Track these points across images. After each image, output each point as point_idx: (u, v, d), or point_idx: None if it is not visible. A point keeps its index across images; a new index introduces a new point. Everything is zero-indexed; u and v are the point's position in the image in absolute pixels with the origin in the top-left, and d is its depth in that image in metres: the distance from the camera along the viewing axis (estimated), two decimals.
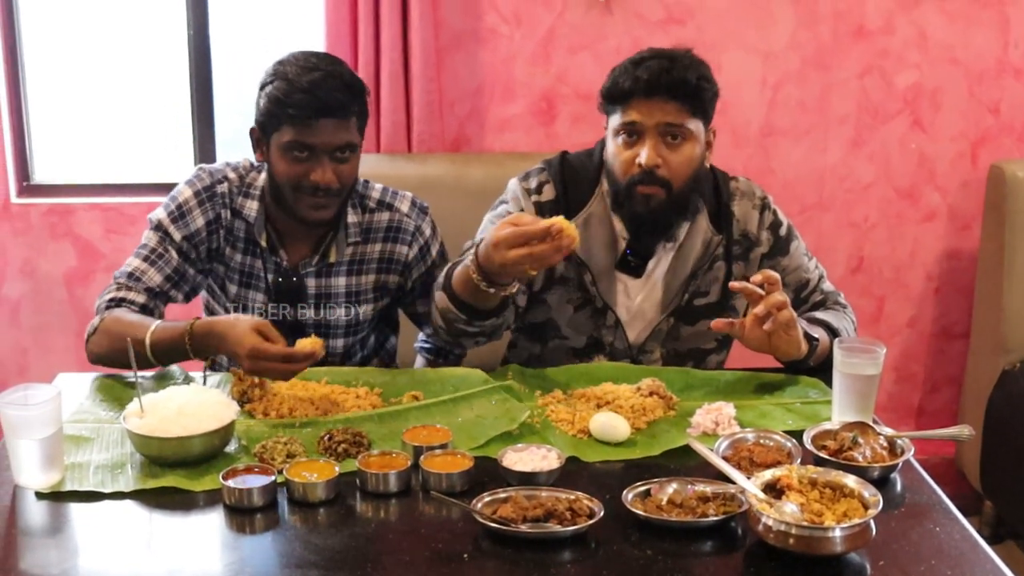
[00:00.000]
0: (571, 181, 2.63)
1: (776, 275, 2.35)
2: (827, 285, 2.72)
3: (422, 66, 3.55)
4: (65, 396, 2.13)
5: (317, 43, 3.58)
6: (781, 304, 2.33)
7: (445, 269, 2.51)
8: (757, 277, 2.34)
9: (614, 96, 2.50)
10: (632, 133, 2.48)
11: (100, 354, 2.49)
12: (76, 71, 4.03)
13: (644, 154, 2.45)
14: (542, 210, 2.58)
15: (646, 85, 2.43)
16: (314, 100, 2.42)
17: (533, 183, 2.63)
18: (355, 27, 3.55)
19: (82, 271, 3.82)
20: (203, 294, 2.77)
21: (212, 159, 3.81)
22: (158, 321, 2.43)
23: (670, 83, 2.43)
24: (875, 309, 4.06)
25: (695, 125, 2.49)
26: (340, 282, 2.68)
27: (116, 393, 2.39)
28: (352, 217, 2.64)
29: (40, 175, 3.91)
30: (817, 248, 3.89)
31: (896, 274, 4.05)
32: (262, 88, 2.50)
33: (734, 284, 2.39)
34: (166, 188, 2.71)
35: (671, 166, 2.47)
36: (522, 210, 2.59)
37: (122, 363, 2.38)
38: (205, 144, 3.83)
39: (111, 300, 2.54)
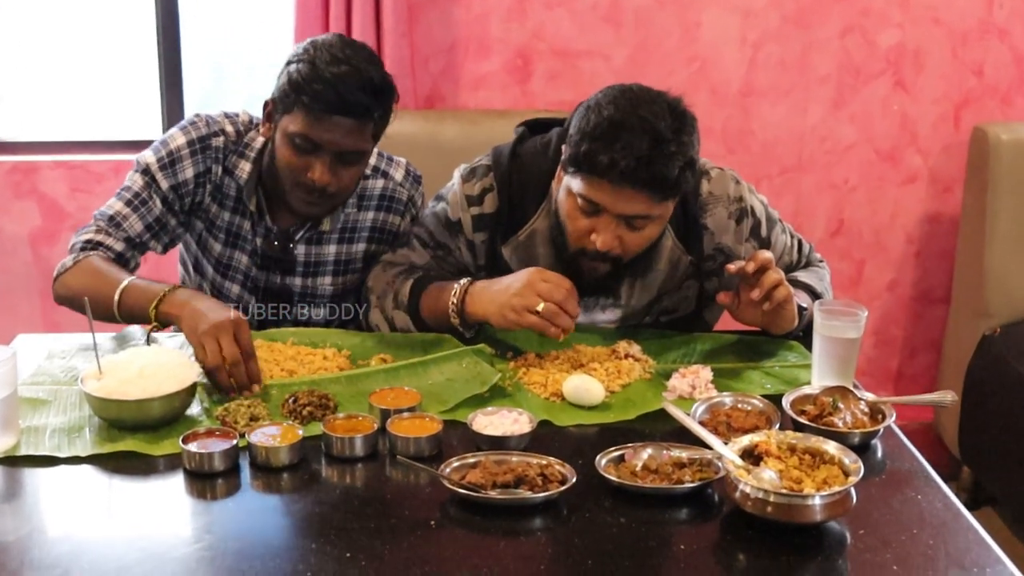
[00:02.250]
0: (518, 191, 2.41)
1: (769, 255, 2.24)
2: (804, 248, 2.64)
3: (394, 21, 3.47)
4: (23, 358, 2.06)
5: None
6: (776, 282, 2.23)
7: (407, 288, 2.42)
8: (750, 265, 2.21)
9: (579, 164, 2.18)
10: (592, 209, 2.21)
11: (67, 297, 2.41)
12: (41, 27, 3.93)
13: (600, 239, 2.21)
14: (480, 224, 2.44)
15: (619, 175, 2.12)
16: (333, 95, 2.27)
17: (476, 188, 2.43)
18: None
19: (47, 231, 3.73)
20: (180, 248, 2.69)
21: (180, 115, 3.71)
22: (130, 278, 2.33)
23: (648, 178, 2.13)
24: (854, 272, 4.02)
25: (665, 208, 2.25)
26: (331, 250, 2.61)
27: (75, 355, 2.32)
28: None
29: (3, 132, 3.81)
30: (796, 211, 3.85)
31: (876, 237, 4.00)
32: (288, 64, 2.36)
33: (730, 267, 2.24)
34: (134, 146, 2.63)
35: (627, 247, 2.25)
36: (459, 220, 2.45)
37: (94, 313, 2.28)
38: (173, 101, 3.74)
39: (87, 242, 2.45)
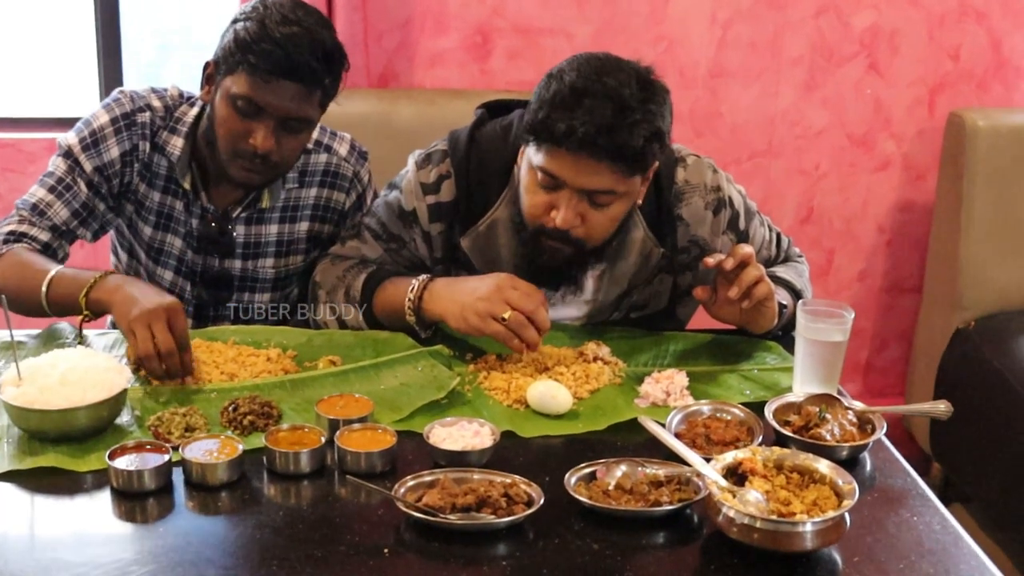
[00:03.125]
0: (476, 178, 2.24)
1: (749, 250, 2.08)
2: (783, 242, 2.49)
3: None
4: None
5: None
6: (756, 279, 2.09)
7: (360, 282, 2.26)
8: (729, 261, 2.07)
9: (538, 132, 2.02)
10: (552, 184, 2.06)
11: None
12: None
13: (560, 215, 2.05)
14: (437, 214, 2.27)
15: (578, 143, 1.97)
16: (281, 56, 2.13)
17: (432, 175, 2.26)
18: None
19: None
20: (112, 235, 2.52)
21: None
22: (58, 268, 2.17)
23: (610, 147, 1.97)
24: (824, 261, 3.89)
25: (630, 184, 2.08)
26: (272, 230, 2.45)
27: None
28: None
29: None
30: (766, 196, 3.72)
31: (847, 225, 3.87)
32: (234, 23, 2.21)
33: (708, 260, 2.10)
34: (69, 123, 2.45)
35: (590, 227, 2.09)
36: (415, 210, 2.28)
37: (15, 306, 2.13)
38: (111, 76, 3.55)
39: (10, 234, 2.29)
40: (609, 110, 1.97)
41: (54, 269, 2.17)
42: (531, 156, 2.08)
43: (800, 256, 2.49)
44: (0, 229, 2.30)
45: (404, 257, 2.34)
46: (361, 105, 3.28)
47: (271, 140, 2.20)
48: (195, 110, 2.37)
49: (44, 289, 2.14)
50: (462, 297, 2.09)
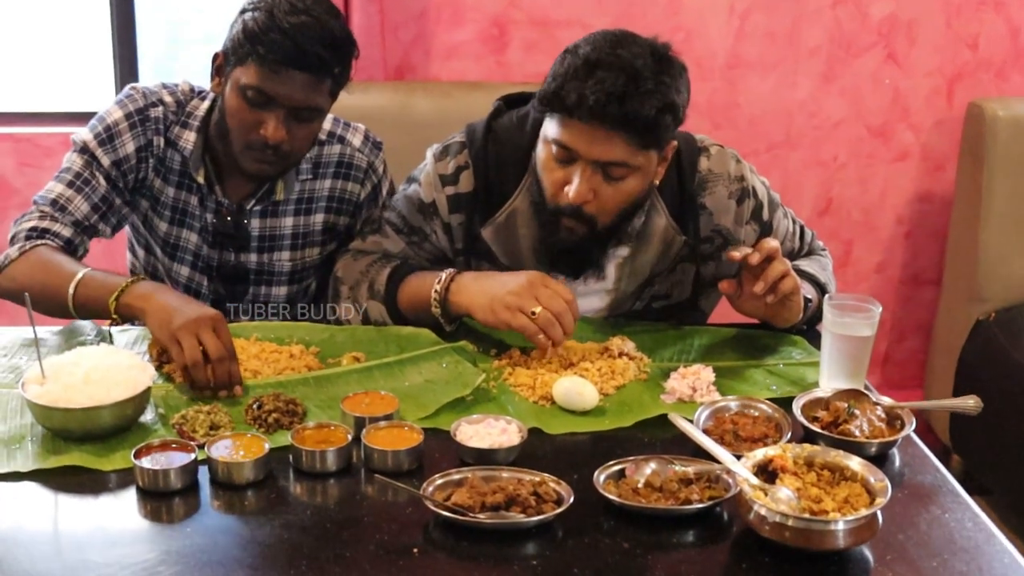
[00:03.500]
0: (495, 168, 2.24)
1: (775, 244, 2.07)
2: (807, 234, 2.48)
3: None
4: None
5: None
6: (782, 273, 2.07)
7: (384, 276, 2.25)
8: (755, 256, 2.05)
9: (550, 103, 2.04)
10: (566, 156, 2.06)
11: (12, 291, 2.22)
12: None
13: (572, 188, 2.05)
14: (456, 205, 2.27)
15: (589, 111, 1.97)
16: (290, 46, 2.12)
17: (450, 167, 2.26)
18: None
19: None
20: (128, 232, 2.51)
21: None
22: (86, 270, 2.15)
23: (621, 116, 1.97)
24: (843, 253, 3.88)
25: (644, 158, 2.07)
26: (287, 223, 2.44)
27: (17, 352, 2.11)
28: None
29: None
30: (784, 188, 3.70)
31: (865, 216, 3.86)
32: (242, 13, 2.20)
33: (734, 254, 2.08)
34: (85, 118, 2.44)
35: (602, 201, 2.08)
36: (434, 202, 2.28)
37: (38, 305, 2.10)
38: (126, 71, 3.55)
39: (32, 230, 2.27)
40: (622, 80, 1.97)
41: (81, 271, 2.15)
42: (546, 130, 2.09)
43: (823, 250, 2.48)
44: (21, 225, 2.28)
45: (426, 250, 2.33)
46: (378, 98, 3.27)
47: (282, 130, 2.19)
48: (206, 104, 2.36)
49: (71, 291, 2.13)
50: (492, 290, 2.08)
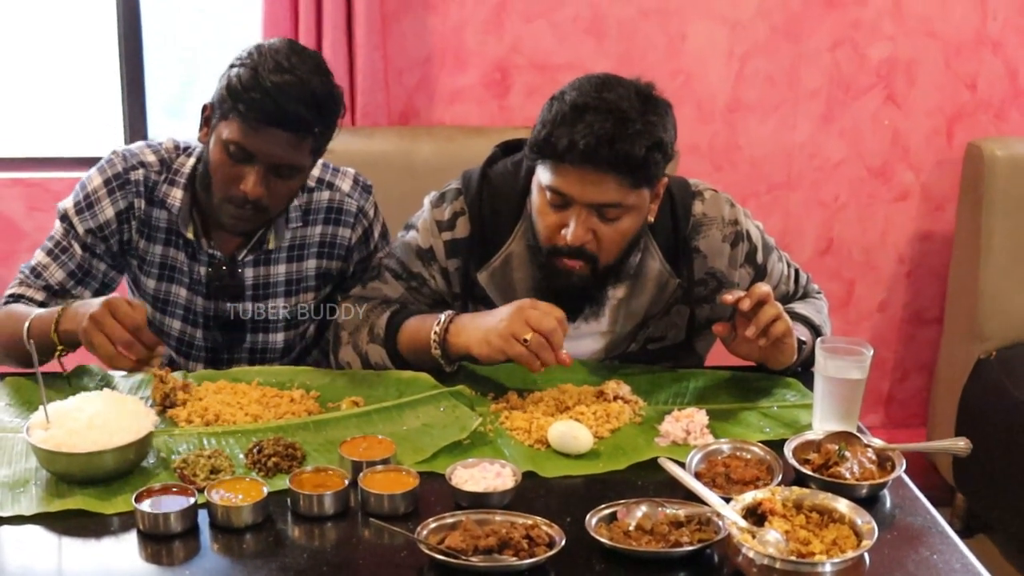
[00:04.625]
0: (490, 213, 2.28)
1: (766, 289, 2.11)
2: (802, 278, 2.51)
3: (366, 32, 3.32)
4: None
5: (255, 7, 3.34)
6: (773, 317, 2.10)
7: (384, 320, 2.28)
8: (745, 303, 2.09)
9: (543, 150, 2.08)
10: (561, 201, 2.11)
11: None
12: None
13: (570, 232, 2.09)
14: (453, 250, 2.31)
15: (580, 155, 2.01)
16: (270, 105, 2.14)
17: (446, 213, 2.31)
18: None
19: (3, 251, 3.56)
20: (129, 291, 2.54)
21: (143, 130, 3.58)
22: (36, 312, 2.22)
23: (612, 157, 2.01)
24: (844, 293, 3.89)
25: (637, 196, 2.11)
26: (280, 270, 2.46)
27: (25, 396, 2.16)
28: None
29: None
30: (784, 229, 3.73)
31: (866, 256, 3.87)
32: (230, 67, 2.23)
33: (727, 297, 2.12)
34: (93, 163, 2.47)
35: (602, 241, 2.12)
36: (431, 248, 2.32)
37: (19, 361, 2.25)
38: (135, 115, 3.58)
39: (10, 296, 2.37)
40: (610, 122, 2.02)
41: (33, 313, 2.21)
42: (539, 177, 2.13)
43: (819, 293, 2.51)
44: (6, 292, 2.38)
45: (425, 295, 2.36)
46: (382, 142, 3.32)
47: (260, 187, 2.20)
48: (192, 160, 2.38)
49: (25, 335, 2.16)
50: (486, 324, 2.11)
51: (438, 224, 2.31)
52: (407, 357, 2.26)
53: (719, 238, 2.30)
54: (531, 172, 2.21)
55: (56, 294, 2.37)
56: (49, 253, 2.38)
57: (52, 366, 2.20)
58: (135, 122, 3.58)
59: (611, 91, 2.07)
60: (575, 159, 2.03)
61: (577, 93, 2.08)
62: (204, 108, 2.30)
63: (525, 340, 2.05)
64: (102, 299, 2.07)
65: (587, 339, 2.35)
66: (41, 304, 2.34)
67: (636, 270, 2.27)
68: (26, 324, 2.18)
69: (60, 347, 2.15)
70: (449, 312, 2.20)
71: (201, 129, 2.31)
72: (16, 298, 2.35)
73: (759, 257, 2.36)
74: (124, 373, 2.22)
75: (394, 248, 2.40)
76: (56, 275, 2.37)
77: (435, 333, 2.17)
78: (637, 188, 2.10)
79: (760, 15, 3.59)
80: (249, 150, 2.18)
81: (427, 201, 2.36)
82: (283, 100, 2.14)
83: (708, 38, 3.59)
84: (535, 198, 2.17)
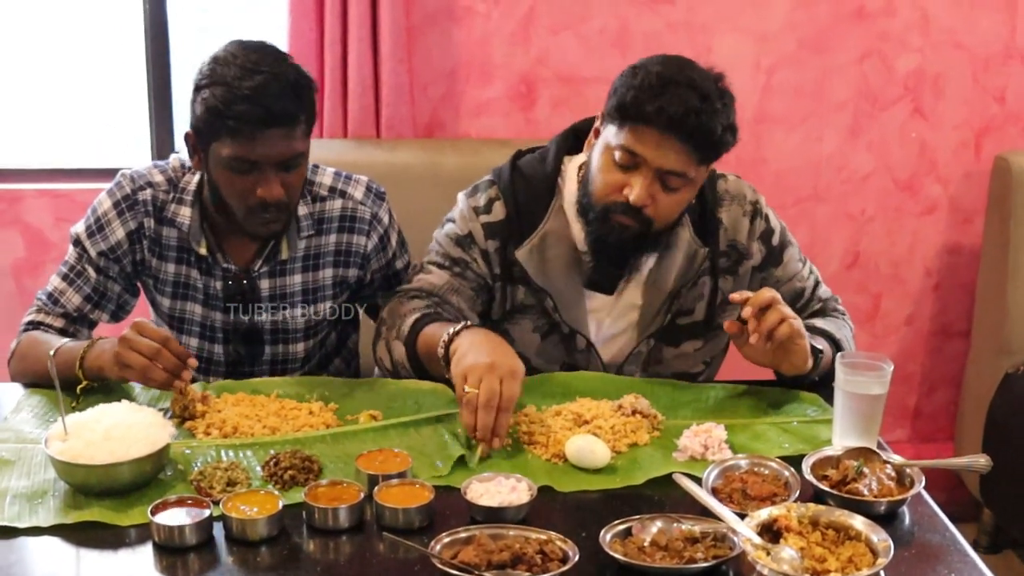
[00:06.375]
0: (523, 196, 2.37)
1: (770, 295, 2.13)
2: (823, 291, 2.51)
3: (391, 46, 3.32)
4: None
5: (280, 20, 3.35)
6: (776, 322, 2.11)
7: (411, 320, 2.29)
8: (747, 310, 2.11)
9: (626, 111, 2.16)
10: (631, 162, 2.19)
11: (20, 373, 2.35)
12: (27, 51, 3.80)
13: (634, 191, 2.17)
14: (491, 232, 2.37)
15: (667, 121, 2.12)
16: (258, 109, 2.14)
17: (482, 200, 2.39)
18: (321, 3, 3.32)
19: (31, 261, 3.58)
20: (151, 312, 2.56)
21: (170, 143, 3.60)
22: (59, 344, 2.23)
23: (693, 128, 2.13)
24: (871, 306, 3.87)
25: (698, 172, 2.23)
26: (296, 280, 2.47)
27: (46, 408, 2.17)
28: (303, 208, 2.42)
29: None
30: (812, 242, 3.70)
31: (894, 269, 3.85)
32: (197, 90, 2.22)
33: (734, 296, 2.17)
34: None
35: (659, 208, 2.21)
36: (470, 232, 2.37)
37: (46, 385, 2.24)
38: (162, 127, 3.61)
39: (29, 323, 2.40)
40: (694, 97, 2.13)
41: (55, 346, 2.21)
42: (609, 138, 2.21)
43: (844, 314, 2.51)
44: (25, 318, 2.41)
45: (469, 279, 2.40)
46: (407, 155, 3.32)
47: (277, 186, 2.22)
48: (196, 177, 2.39)
49: (50, 368, 2.10)
50: (468, 352, 2.07)
51: (474, 210, 2.39)
52: (423, 360, 2.27)
53: (739, 212, 2.40)
54: (558, 159, 2.37)
55: (74, 320, 2.40)
56: (64, 278, 2.41)
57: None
58: (162, 133, 3.60)
59: (693, 71, 2.19)
60: (661, 124, 2.13)
61: (662, 67, 2.18)
62: (187, 137, 2.29)
63: (465, 391, 2.01)
64: (126, 329, 2.12)
65: (621, 318, 2.40)
66: (60, 331, 2.37)
67: (668, 239, 2.35)
68: (49, 356, 2.14)
69: (84, 382, 2.17)
70: (462, 324, 2.19)
71: (192, 158, 2.31)
72: (35, 325, 2.38)
73: (774, 240, 2.44)
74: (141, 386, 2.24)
75: (434, 244, 2.45)
76: (73, 300, 2.39)
77: (442, 342, 2.17)
78: (702, 164, 2.22)
79: (787, 28, 3.57)
80: (251, 159, 2.20)
81: (461, 194, 2.45)
82: (266, 101, 2.15)
83: (734, 50, 3.57)
84: (597, 158, 2.25)
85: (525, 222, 2.36)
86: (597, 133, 2.28)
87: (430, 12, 3.46)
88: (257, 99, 2.15)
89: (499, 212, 2.37)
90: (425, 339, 2.25)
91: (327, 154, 2.67)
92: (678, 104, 2.12)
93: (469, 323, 2.19)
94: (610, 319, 2.39)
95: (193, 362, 2.10)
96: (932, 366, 3.97)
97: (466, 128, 3.58)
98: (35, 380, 2.28)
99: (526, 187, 2.38)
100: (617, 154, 2.19)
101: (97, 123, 3.96)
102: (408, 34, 3.38)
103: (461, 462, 1.98)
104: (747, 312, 2.11)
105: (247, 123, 2.15)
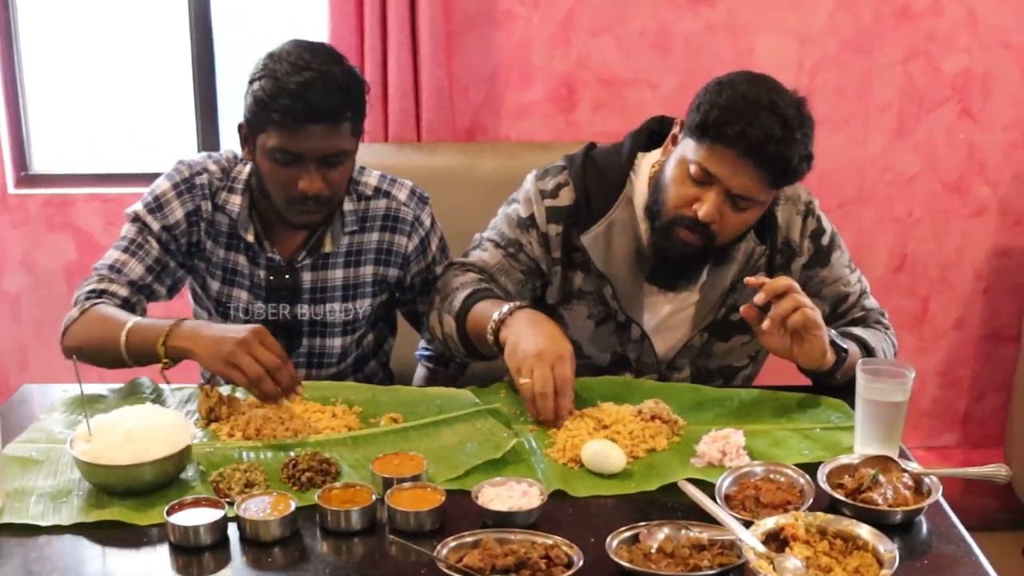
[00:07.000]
0: (594, 184, 2.41)
1: (785, 283, 2.13)
2: (869, 302, 2.50)
3: (431, 50, 3.35)
4: (23, 412, 1.97)
5: (321, 24, 3.39)
6: (790, 309, 2.11)
7: (463, 296, 2.34)
8: (760, 297, 2.13)
9: (706, 129, 2.17)
10: (704, 179, 2.20)
11: (75, 348, 2.33)
12: (75, 57, 3.87)
13: (704, 208, 2.20)
14: (555, 216, 2.41)
15: (747, 146, 2.13)
16: (302, 105, 2.22)
17: (550, 184, 2.43)
18: (360, 8, 3.36)
19: (82, 264, 3.66)
20: (189, 296, 2.61)
21: (215, 145, 3.68)
22: (136, 319, 2.27)
23: (772, 156, 2.14)
24: (919, 310, 3.82)
25: (769, 195, 2.26)
26: (337, 275, 2.52)
27: (76, 409, 2.21)
28: (348, 205, 2.49)
29: (38, 165, 3.77)
30: (857, 245, 3.67)
31: (942, 273, 3.80)
32: (251, 83, 2.31)
33: (750, 280, 2.17)
34: None
35: (725, 225, 2.24)
36: (532, 215, 2.42)
37: (100, 360, 2.30)
38: (208, 133, 3.68)
39: (92, 291, 2.40)
40: (777, 125, 2.13)
41: (131, 321, 2.25)
42: (687, 151, 2.23)
43: (888, 328, 2.48)
44: (81, 289, 2.41)
45: (520, 262, 2.44)
46: (447, 158, 3.34)
47: (318, 181, 2.28)
48: (248, 167, 2.46)
49: (123, 340, 2.23)
50: (518, 342, 2.15)
51: (541, 192, 2.43)
52: (471, 336, 2.32)
53: (793, 211, 2.43)
54: (632, 153, 2.41)
55: (139, 289, 2.43)
56: (125, 251, 2.44)
57: (115, 375, 2.31)
58: (207, 138, 3.66)
59: (778, 95, 2.18)
60: (740, 148, 2.14)
61: (747, 87, 2.18)
62: (239, 128, 2.37)
63: (522, 382, 2.11)
64: (247, 327, 2.14)
65: (680, 310, 2.43)
66: (124, 300, 2.40)
67: (729, 252, 2.38)
68: (125, 328, 2.23)
69: (165, 360, 2.21)
70: (513, 304, 2.25)
71: (243, 148, 2.39)
72: (99, 293, 2.39)
73: (824, 240, 2.46)
74: (175, 386, 2.28)
75: (495, 222, 2.50)
76: (136, 270, 2.43)
77: (492, 322, 2.23)
78: (773, 188, 2.24)
79: (830, 29, 3.54)
80: (295, 152, 2.26)
81: (530, 176, 2.49)
82: (310, 96, 2.21)
83: (776, 52, 3.55)
84: (672, 169, 2.27)
85: (594, 209, 2.40)
86: (675, 140, 2.31)
87: (469, 16, 3.49)
88: (301, 94, 2.22)
89: (566, 197, 2.41)
90: (474, 318, 2.30)
91: (368, 158, 2.71)
92: (759, 130, 2.12)
93: (516, 305, 2.24)
94: (667, 311, 2.43)
95: (301, 389, 2.14)
96: (982, 371, 3.92)
97: (507, 131, 3.59)
98: (95, 355, 2.30)
99: (597, 175, 2.41)
100: (692, 168, 2.21)
101: (144, 129, 4.02)
102: (447, 38, 3.41)
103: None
104: (759, 298, 2.12)
105: (290, 117, 2.22)
